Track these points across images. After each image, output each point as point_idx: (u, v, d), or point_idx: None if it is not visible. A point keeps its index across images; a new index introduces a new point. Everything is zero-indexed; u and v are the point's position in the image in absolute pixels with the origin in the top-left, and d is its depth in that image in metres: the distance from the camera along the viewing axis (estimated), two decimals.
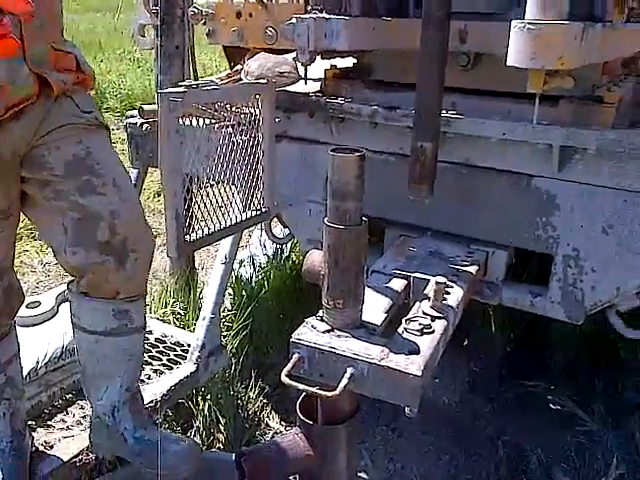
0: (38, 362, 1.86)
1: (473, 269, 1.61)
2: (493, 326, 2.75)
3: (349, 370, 1.16)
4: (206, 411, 2.08)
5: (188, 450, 1.44)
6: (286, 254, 3.00)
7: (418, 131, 1.50)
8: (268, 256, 2.92)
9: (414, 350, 1.18)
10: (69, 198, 1.34)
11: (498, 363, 2.61)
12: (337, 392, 1.11)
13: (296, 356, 1.19)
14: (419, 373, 1.11)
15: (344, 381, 1.13)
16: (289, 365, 1.18)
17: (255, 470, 1.24)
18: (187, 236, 1.51)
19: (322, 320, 1.25)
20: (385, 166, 1.80)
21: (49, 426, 1.81)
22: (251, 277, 2.77)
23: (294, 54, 2.07)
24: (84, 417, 1.85)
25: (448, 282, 1.43)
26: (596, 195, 1.54)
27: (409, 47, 1.54)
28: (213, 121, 1.69)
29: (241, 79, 2.34)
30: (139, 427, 1.46)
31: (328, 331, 1.22)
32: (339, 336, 1.21)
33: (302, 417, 1.29)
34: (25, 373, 1.74)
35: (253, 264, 2.86)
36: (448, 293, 1.42)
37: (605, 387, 2.36)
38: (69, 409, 1.88)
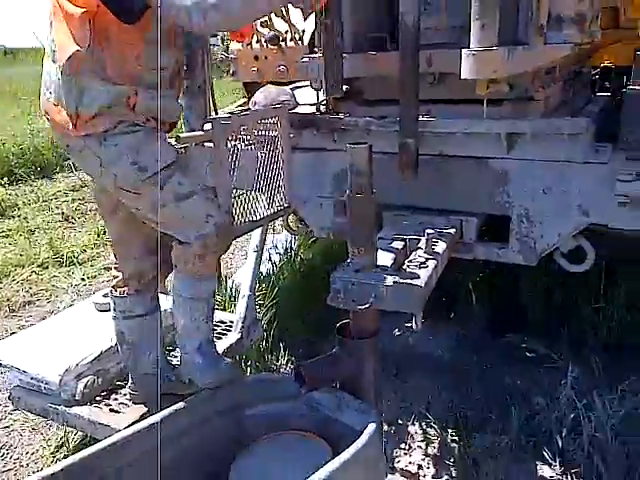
0: None
1: (452, 231, 2.15)
2: (474, 300, 3.27)
3: (373, 293, 1.67)
4: (248, 374, 2.57)
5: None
6: (294, 253, 3.52)
7: (402, 130, 2.06)
8: (280, 254, 3.43)
9: (416, 276, 1.70)
10: None
11: (480, 327, 3.14)
12: (367, 305, 1.62)
13: (335, 286, 1.70)
14: (422, 284, 1.64)
15: (370, 299, 1.64)
16: (331, 294, 1.69)
17: (309, 376, 1.72)
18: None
19: (350, 263, 1.76)
20: (379, 162, 2.32)
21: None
22: (268, 272, 3.27)
23: (291, 85, 2.65)
24: None
25: (434, 238, 1.97)
26: (536, 167, 2.10)
27: (389, 73, 2.10)
28: (244, 142, 2.22)
29: (249, 108, 2.90)
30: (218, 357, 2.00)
31: (356, 271, 1.73)
32: (363, 273, 1.73)
33: (340, 336, 1.79)
34: (107, 347, 2.23)
35: (271, 262, 3.37)
36: (435, 245, 1.95)
37: (570, 334, 2.89)
38: None
